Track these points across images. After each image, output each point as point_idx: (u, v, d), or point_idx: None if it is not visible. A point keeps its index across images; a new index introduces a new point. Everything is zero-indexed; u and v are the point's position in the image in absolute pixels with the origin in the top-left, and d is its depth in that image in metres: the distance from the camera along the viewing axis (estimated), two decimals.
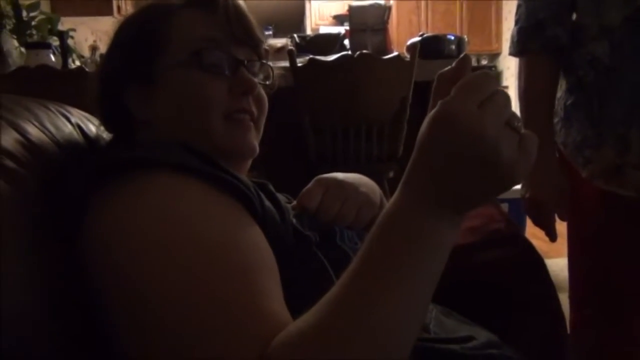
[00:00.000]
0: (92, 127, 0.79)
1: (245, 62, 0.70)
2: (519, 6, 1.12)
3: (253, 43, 0.72)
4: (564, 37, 1.06)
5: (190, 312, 0.48)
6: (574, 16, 1.08)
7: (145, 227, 0.53)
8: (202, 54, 0.67)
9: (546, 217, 1.11)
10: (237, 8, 0.71)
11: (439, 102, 0.46)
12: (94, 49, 3.18)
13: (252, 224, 0.59)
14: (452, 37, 2.50)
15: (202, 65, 0.67)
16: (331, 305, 0.46)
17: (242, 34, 0.71)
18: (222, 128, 0.68)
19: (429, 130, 0.47)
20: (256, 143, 0.72)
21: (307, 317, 0.46)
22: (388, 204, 0.50)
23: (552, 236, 1.11)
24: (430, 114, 0.47)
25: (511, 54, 1.15)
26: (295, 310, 0.49)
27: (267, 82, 0.76)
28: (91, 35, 3.99)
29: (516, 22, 1.13)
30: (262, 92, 0.73)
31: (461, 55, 0.51)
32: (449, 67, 0.51)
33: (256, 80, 0.71)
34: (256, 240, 0.57)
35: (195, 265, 0.50)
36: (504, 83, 7.18)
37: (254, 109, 0.71)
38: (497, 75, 7.19)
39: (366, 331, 0.44)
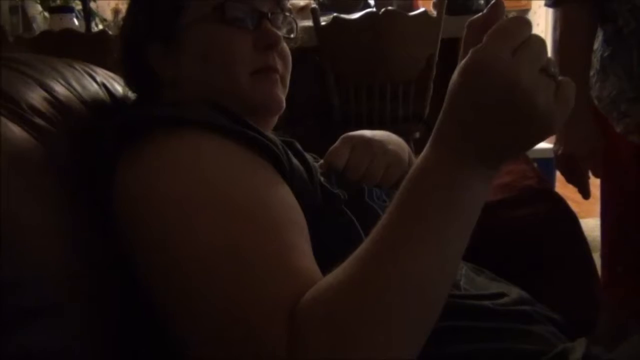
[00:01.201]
0: (118, 87, 0.79)
1: (269, 14, 0.69)
2: None
3: None
4: None
5: (219, 269, 0.48)
6: None
7: (173, 186, 0.53)
8: (224, 8, 0.66)
9: (580, 173, 1.08)
10: None
11: (471, 51, 0.44)
12: (116, 12, 3.16)
13: (281, 181, 0.59)
14: None
15: (225, 19, 0.66)
16: (362, 260, 0.46)
17: None
18: (249, 83, 0.67)
19: (460, 80, 0.45)
20: (283, 97, 0.71)
21: (338, 273, 0.46)
22: (418, 158, 0.49)
23: (585, 193, 1.09)
24: (461, 63, 0.45)
25: (548, 4, 1.10)
26: (325, 268, 0.48)
27: (291, 36, 0.74)
28: None
29: None
30: (286, 46, 0.71)
31: (493, 1, 0.49)
32: (480, 13, 0.49)
33: (280, 33, 0.69)
34: (284, 198, 0.57)
35: (223, 223, 0.50)
36: None
37: (279, 65, 0.70)
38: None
39: (397, 284, 0.44)
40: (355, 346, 0.42)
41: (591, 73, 1.13)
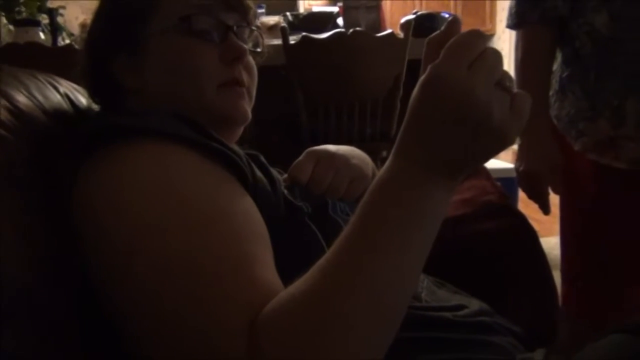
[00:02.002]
0: (82, 98, 0.78)
1: (235, 27, 0.69)
2: None
3: (242, 9, 0.71)
4: (563, 7, 1.05)
5: (180, 280, 0.48)
6: None
7: (135, 197, 0.53)
8: (191, 19, 0.66)
9: (540, 189, 1.11)
10: None
11: (429, 66, 0.45)
12: (84, 26, 3.13)
13: (243, 193, 0.59)
14: (447, 15, 2.48)
15: (191, 31, 0.66)
16: (323, 271, 0.46)
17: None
18: (214, 96, 0.67)
19: (419, 95, 0.46)
20: (249, 109, 0.71)
21: (299, 284, 0.46)
22: (381, 171, 0.50)
23: (545, 209, 1.12)
24: (421, 78, 0.46)
25: (509, 26, 1.14)
26: (288, 280, 0.48)
27: (257, 50, 0.75)
28: (81, 13, 3.92)
29: None
30: (252, 60, 0.72)
31: (451, 18, 0.51)
32: (439, 31, 0.51)
33: (246, 47, 0.70)
34: (247, 209, 0.57)
35: (185, 234, 0.50)
36: None
37: (245, 78, 0.70)
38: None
39: (358, 295, 0.44)
40: (315, 357, 0.43)
41: (550, 93, 1.17)
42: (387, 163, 0.49)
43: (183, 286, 0.48)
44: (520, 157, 1.12)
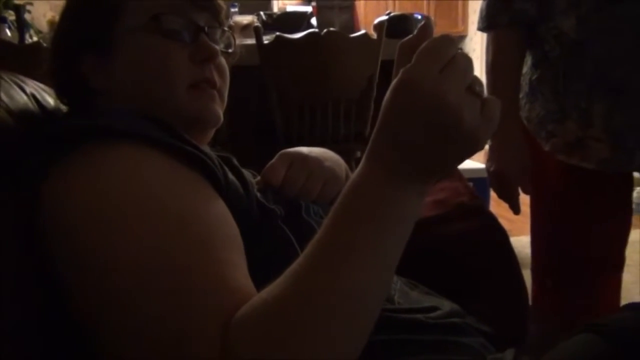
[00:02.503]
0: (50, 99, 0.76)
1: (206, 28, 0.69)
2: None
3: (214, 9, 0.70)
4: (531, 10, 1.07)
5: (151, 284, 0.47)
6: None
7: (106, 200, 0.52)
8: (161, 19, 0.65)
9: (510, 190, 1.13)
10: None
11: (401, 70, 0.46)
12: (52, 24, 3.06)
13: (215, 196, 0.58)
14: (420, 17, 2.51)
15: (161, 30, 0.65)
16: (295, 275, 0.46)
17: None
18: (185, 96, 0.66)
19: (391, 99, 0.46)
20: (220, 111, 0.70)
21: (271, 288, 0.46)
22: (353, 174, 0.50)
23: (515, 209, 1.14)
24: (393, 82, 0.46)
25: (479, 29, 1.15)
26: (261, 284, 0.48)
27: (229, 51, 0.74)
28: (50, 10, 3.84)
29: None
30: (224, 61, 0.71)
31: (422, 22, 0.51)
32: (411, 35, 0.51)
33: (217, 47, 0.69)
34: (219, 212, 0.56)
35: (157, 238, 0.50)
36: None
37: (216, 79, 0.69)
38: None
39: (330, 298, 0.44)
40: None
41: (521, 95, 1.18)
42: (360, 167, 0.49)
43: (155, 291, 0.47)
44: (491, 158, 1.14)
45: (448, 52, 0.45)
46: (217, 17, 0.71)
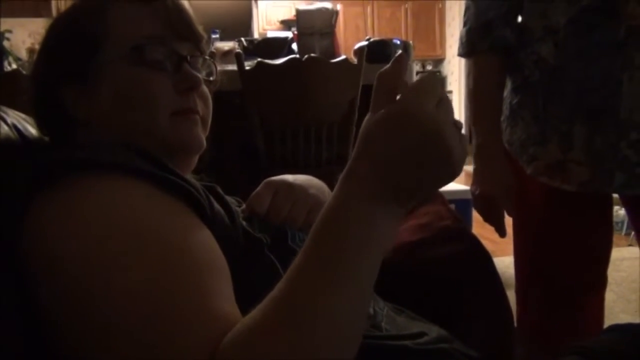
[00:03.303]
0: (31, 128, 0.76)
1: (188, 57, 0.69)
2: (467, 8, 1.15)
3: (195, 38, 0.71)
4: (511, 37, 1.10)
5: (137, 314, 0.47)
6: (520, 19, 1.11)
7: (92, 232, 0.51)
8: (143, 49, 0.65)
9: (495, 212, 1.14)
10: (177, 3, 0.69)
11: (397, 100, 0.50)
12: (32, 51, 3.06)
13: (201, 225, 0.58)
14: (399, 42, 2.54)
15: (143, 60, 0.65)
16: (276, 300, 0.46)
17: (183, 28, 0.69)
18: (168, 124, 0.66)
19: (384, 125, 0.49)
20: (203, 137, 0.70)
21: (254, 314, 0.46)
22: (331, 198, 0.51)
23: (501, 232, 1.15)
24: (385, 110, 0.49)
25: (460, 54, 1.18)
26: (249, 311, 0.48)
27: (211, 78, 0.74)
28: (29, 37, 3.83)
29: (465, 24, 1.16)
30: (206, 89, 0.71)
31: (397, 55, 0.53)
32: (387, 66, 0.53)
33: (200, 76, 0.70)
34: (205, 242, 0.56)
35: (143, 269, 0.49)
36: (448, 88, 7.38)
37: (200, 107, 0.69)
38: (441, 80, 7.40)
39: (311, 325, 0.44)
40: None
41: (502, 119, 1.20)
42: (337, 190, 0.51)
43: (142, 322, 0.47)
44: (475, 181, 1.15)
45: (439, 90, 0.50)
46: (198, 45, 0.71)
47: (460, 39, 1.17)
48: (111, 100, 0.66)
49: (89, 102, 0.66)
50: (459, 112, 7.05)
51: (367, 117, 0.52)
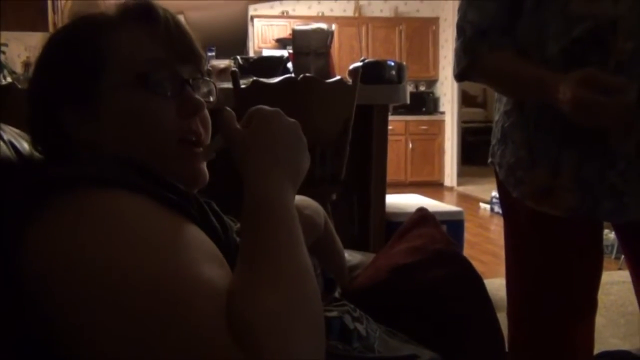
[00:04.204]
0: (26, 144, 0.75)
1: (190, 80, 0.70)
2: (460, 28, 1.12)
3: (196, 60, 0.71)
4: (508, 44, 1.07)
5: (154, 307, 0.48)
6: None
7: (89, 255, 0.51)
8: (148, 76, 0.66)
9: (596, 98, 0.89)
10: (178, 24, 0.70)
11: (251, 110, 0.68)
12: (27, 65, 3.06)
13: (199, 230, 0.59)
14: (392, 63, 2.57)
15: (147, 86, 0.66)
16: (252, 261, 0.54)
17: (185, 51, 0.70)
18: (174, 154, 0.67)
19: (256, 135, 0.65)
20: (207, 172, 0.71)
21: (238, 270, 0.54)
22: (246, 197, 0.60)
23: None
24: (250, 129, 0.66)
25: (462, 69, 1.13)
26: None
27: (211, 99, 0.75)
28: (24, 51, 3.83)
29: (458, 39, 1.13)
30: (207, 112, 0.72)
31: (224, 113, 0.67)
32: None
33: (202, 100, 0.70)
34: (204, 239, 0.58)
35: (148, 273, 0.50)
36: (441, 109, 7.45)
37: (201, 130, 0.70)
38: (434, 102, 7.46)
39: (288, 272, 0.54)
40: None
41: (493, 142, 1.21)
42: (252, 189, 0.61)
43: (163, 317, 0.48)
44: (562, 90, 0.92)
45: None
46: (199, 67, 0.72)
47: (456, 53, 1.14)
48: (114, 125, 0.66)
49: (92, 125, 0.66)
50: (452, 132, 7.11)
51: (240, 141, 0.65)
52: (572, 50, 0.99)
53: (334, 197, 2.12)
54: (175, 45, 0.68)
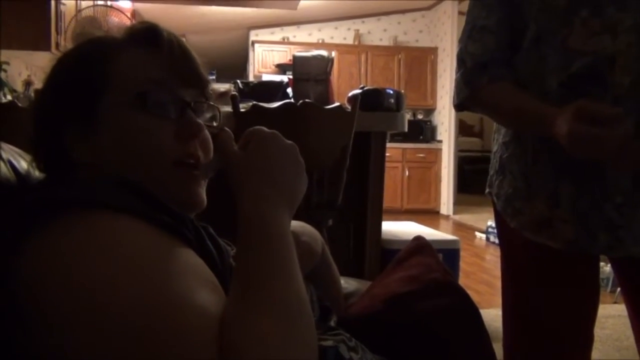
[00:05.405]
0: (24, 163, 0.75)
1: (192, 103, 0.70)
2: (460, 60, 1.14)
3: (200, 83, 0.71)
4: (508, 75, 1.08)
5: (148, 323, 0.48)
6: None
7: (79, 278, 0.50)
8: (147, 96, 0.66)
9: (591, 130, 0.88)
10: (182, 47, 0.70)
11: (247, 132, 0.69)
12: (28, 83, 3.08)
13: (193, 254, 0.59)
14: (391, 91, 2.59)
15: (147, 107, 0.66)
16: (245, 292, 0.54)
17: (188, 74, 0.70)
18: (170, 175, 0.67)
19: (253, 159, 0.65)
20: (204, 196, 0.71)
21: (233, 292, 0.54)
22: (241, 219, 0.60)
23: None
24: (247, 152, 0.66)
25: (461, 100, 1.14)
26: None
27: (214, 124, 0.75)
28: (25, 69, 3.86)
29: (458, 70, 1.14)
30: (208, 134, 0.72)
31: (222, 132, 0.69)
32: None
33: (202, 122, 0.70)
34: (199, 263, 0.58)
35: (141, 297, 0.50)
36: (438, 137, 7.49)
37: (200, 153, 0.70)
38: (432, 130, 7.51)
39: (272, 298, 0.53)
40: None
41: (491, 172, 1.22)
42: (245, 212, 0.61)
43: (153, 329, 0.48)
44: (558, 124, 0.93)
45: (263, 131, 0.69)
46: (203, 91, 0.72)
47: (457, 84, 1.15)
48: (113, 145, 0.66)
49: (91, 145, 0.66)
50: (449, 160, 7.14)
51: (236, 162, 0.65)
52: (570, 85, 1.00)
53: (330, 222, 2.12)
54: (179, 68, 0.69)
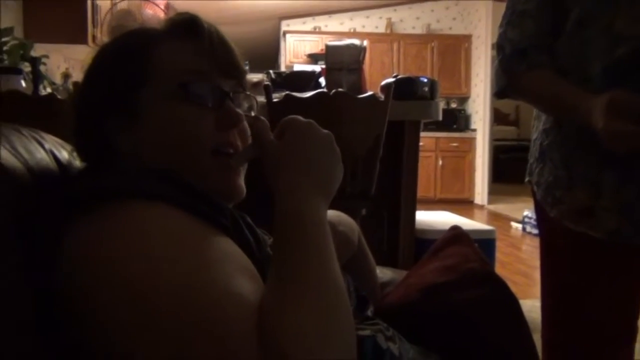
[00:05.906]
0: (65, 153, 0.77)
1: (231, 94, 0.70)
2: (500, 46, 1.12)
3: (238, 74, 0.72)
4: (548, 62, 1.05)
5: (188, 308, 0.48)
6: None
7: (120, 266, 0.52)
8: (189, 87, 0.67)
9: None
10: (221, 38, 0.71)
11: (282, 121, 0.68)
12: (66, 76, 3.14)
13: (230, 241, 0.59)
14: (425, 80, 2.56)
15: (188, 97, 0.66)
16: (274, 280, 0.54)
17: (227, 65, 0.70)
18: (210, 165, 0.67)
19: (290, 150, 0.65)
20: (243, 185, 0.71)
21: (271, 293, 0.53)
22: (277, 211, 0.60)
23: None
24: (283, 141, 0.65)
25: (500, 87, 1.13)
26: None
27: (252, 113, 0.75)
28: (64, 62, 3.95)
29: (497, 56, 1.13)
30: (246, 124, 0.72)
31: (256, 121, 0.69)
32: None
33: (241, 112, 0.71)
34: (238, 251, 0.59)
35: (183, 277, 0.50)
36: (472, 126, 7.38)
37: (239, 143, 0.70)
38: (466, 119, 7.40)
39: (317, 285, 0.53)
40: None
41: (531, 160, 1.19)
42: (283, 205, 0.61)
43: (193, 314, 0.48)
44: (595, 119, 0.92)
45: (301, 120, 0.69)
46: (241, 81, 0.73)
47: (496, 71, 1.13)
48: (155, 135, 0.67)
49: (133, 134, 0.67)
50: (483, 149, 7.03)
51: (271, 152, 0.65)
52: (614, 71, 0.97)
53: (363, 212, 2.11)
54: (218, 59, 0.69)
